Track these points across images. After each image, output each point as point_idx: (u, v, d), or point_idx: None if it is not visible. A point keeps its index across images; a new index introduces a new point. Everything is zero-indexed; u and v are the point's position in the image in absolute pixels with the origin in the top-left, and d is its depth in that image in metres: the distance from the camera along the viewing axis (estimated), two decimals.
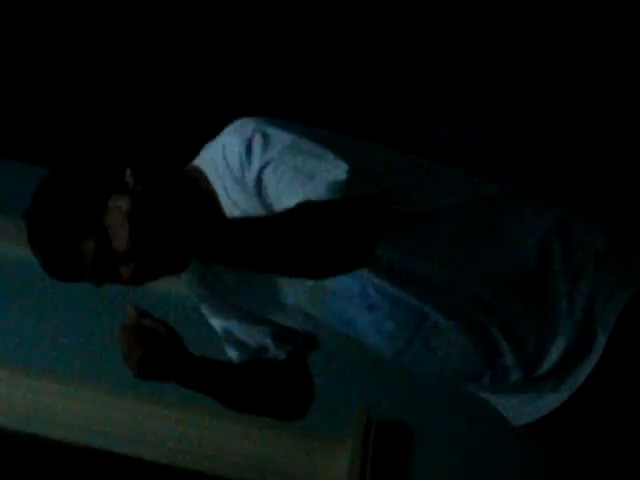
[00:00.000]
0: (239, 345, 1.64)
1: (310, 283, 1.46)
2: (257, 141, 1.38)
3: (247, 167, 1.39)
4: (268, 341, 1.62)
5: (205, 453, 2.42)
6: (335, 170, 1.33)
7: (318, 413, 2.36)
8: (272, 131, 1.40)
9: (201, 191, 1.47)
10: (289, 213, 1.28)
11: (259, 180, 1.38)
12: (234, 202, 1.43)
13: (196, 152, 1.55)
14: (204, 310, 1.67)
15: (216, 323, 1.66)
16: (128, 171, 1.30)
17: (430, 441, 2.44)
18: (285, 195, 1.34)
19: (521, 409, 1.49)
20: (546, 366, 1.41)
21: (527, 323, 1.41)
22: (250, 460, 2.37)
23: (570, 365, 1.40)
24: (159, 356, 1.42)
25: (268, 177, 1.37)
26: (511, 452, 2.49)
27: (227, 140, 1.44)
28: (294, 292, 1.50)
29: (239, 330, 1.63)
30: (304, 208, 1.28)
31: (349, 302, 1.45)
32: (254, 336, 1.63)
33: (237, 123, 1.46)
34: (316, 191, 1.30)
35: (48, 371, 2.53)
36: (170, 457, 2.41)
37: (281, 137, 1.39)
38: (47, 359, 2.56)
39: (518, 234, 1.44)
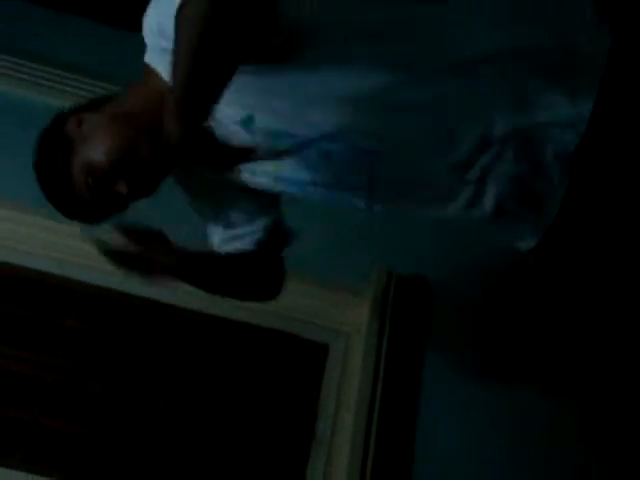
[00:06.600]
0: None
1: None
2: None
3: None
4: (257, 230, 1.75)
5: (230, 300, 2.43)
6: None
7: (342, 265, 2.42)
8: None
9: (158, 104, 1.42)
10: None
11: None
12: None
13: None
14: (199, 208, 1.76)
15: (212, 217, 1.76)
16: None
17: (449, 296, 2.48)
18: None
19: (522, 235, 1.49)
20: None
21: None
22: (273, 307, 2.40)
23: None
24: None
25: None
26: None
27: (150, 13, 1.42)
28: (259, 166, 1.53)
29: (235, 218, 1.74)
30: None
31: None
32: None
33: None
34: None
35: None
36: (182, 299, 2.41)
37: None
38: None
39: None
